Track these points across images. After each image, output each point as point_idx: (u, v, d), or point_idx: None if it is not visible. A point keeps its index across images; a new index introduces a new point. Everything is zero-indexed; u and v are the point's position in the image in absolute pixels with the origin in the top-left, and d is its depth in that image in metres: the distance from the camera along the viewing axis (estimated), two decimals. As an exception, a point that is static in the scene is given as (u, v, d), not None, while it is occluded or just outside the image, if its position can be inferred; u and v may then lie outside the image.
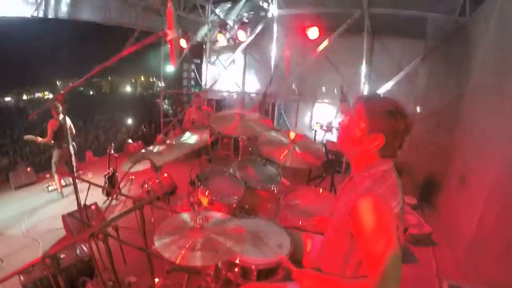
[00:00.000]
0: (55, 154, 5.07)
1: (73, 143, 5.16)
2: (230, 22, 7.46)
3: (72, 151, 4.89)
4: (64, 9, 6.19)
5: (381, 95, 1.56)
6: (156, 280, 2.39)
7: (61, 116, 4.81)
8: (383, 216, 1.18)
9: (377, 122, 1.27)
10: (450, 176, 4.55)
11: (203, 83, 8.69)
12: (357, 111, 1.33)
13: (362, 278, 1.28)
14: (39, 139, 4.85)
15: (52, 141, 4.92)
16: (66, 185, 5.36)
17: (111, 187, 4.71)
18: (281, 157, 2.63)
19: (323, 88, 7.37)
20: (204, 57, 8.63)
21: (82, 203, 2.47)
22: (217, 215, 1.99)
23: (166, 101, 9.65)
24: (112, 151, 4.92)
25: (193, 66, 9.71)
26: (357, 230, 1.23)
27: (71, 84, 2.16)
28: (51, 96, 36.19)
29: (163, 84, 8.76)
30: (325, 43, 6.18)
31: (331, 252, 1.46)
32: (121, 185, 4.79)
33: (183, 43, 7.23)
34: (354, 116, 1.34)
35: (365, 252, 1.21)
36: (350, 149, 1.41)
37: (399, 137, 1.28)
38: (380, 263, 1.13)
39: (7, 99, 32.12)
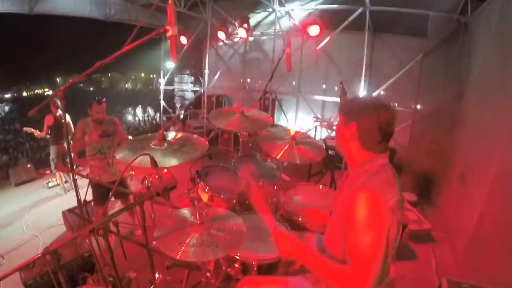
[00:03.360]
0: (52, 151, 5.11)
1: (71, 141, 5.17)
2: (230, 18, 7.42)
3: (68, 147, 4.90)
4: (63, 4, 6.17)
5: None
6: (156, 275, 2.39)
7: (59, 112, 4.83)
8: (376, 210, 1.20)
9: (349, 114, 1.41)
10: (450, 174, 4.55)
11: (203, 79, 8.67)
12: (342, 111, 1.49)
13: (343, 263, 1.29)
14: (37, 132, 4.90)
15: (48, 137, 4.96)
16: (66, 181, 5.38)
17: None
18: (281, 153, 2.63)
19: (324, 85, 7.36)
20: (204, 53, 8.60)
21: (82, 199, 2.46)
22: (217, 210, 1.99)
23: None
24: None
25: (193, 63, 9.67)
26: (348, 222, 1.24)
27: (70, 80, 2.16)
28: (51, 92, 36.10)
29: (163, 80, 8.74)
30: (326, 40, 6.16)
31: (331, 250, 1.47)
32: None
33: (183, 39, 7.20)
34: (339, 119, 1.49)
35: (351, 243, 1.23)
36: (342, 149, 1.48)
37: (373, 126, 1.32)
38: (364, 257, 1.17)
39: (7, 95, 32.06)
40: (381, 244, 1.18)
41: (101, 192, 3.29)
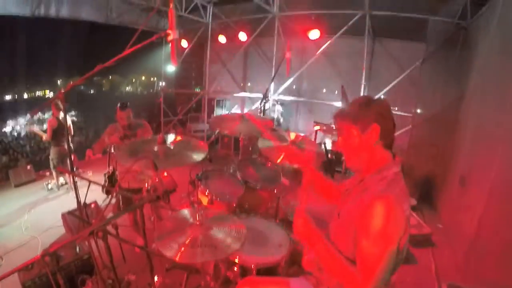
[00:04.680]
0: (53, 152, 5.13)
1: (71, 144, 5.19)
2: (231, 23, 7.46)
3: (69, 149, 4.92)
4: (65, 8, 6.21)
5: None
6: (156, 278, 2.39)
7: (61, 115, 4.84)
8: (394, 219, 1.19)
9: (362, 118, 1.32)
10: (450, 178, 4.55)
11: (204, 83, 8.70)
12: (341, 124, 1.40)
13: (354, 267, 1.28)
14: (42, 134, 4.91)
15: (51, 139, 4.97)
16: (66, 183, 5.40)
17: (111, 185, 4.71)
18: (281, 157, 2.63)
19: (324, 89, 7.38)
20: (205, 57, 8.64)
21: (82, 201, 2.47)
22: (217, 213, 1.99)
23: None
24: (112, 150, 4.93)
25: (194, 66, 9.71)
26: (362, 227, 1.23)
27: (72, 83, 2.17)
28: (52, 94, 36.21)
29: (164, 84, 8.77)
30: (326, 44, 6.19)
31: (339, 246, 1.45)
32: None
33: (184, 43, 7.24)
34: (343, 130, 1.39)
35: (363, 249, 1.22)
36: (359, 161, 1.40)
37: (387, 117, 1.33)
38: (373, 265, 1.17)
39: (8, 97, 32.12)
40: (392, 253, 1.18)
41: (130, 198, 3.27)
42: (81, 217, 2.86)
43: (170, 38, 1.63)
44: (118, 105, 3.45)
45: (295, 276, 1.72)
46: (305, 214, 1.42)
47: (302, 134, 2.96)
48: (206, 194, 2.61)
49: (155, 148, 2.22)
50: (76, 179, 2.49)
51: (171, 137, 2.48)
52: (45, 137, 4.95)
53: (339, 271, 1.29)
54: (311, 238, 1.37)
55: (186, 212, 1.95)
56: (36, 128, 5.00)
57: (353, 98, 1.45)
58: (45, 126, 5.09)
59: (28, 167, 5.78)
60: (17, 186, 5.47)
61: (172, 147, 2.21)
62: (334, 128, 4.54)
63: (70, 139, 5.15)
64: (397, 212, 1.20)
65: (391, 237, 1.18)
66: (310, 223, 1.39)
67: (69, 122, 5.17)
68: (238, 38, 7.19)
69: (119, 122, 3.49)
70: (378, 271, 1.17)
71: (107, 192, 4.67)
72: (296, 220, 1.41)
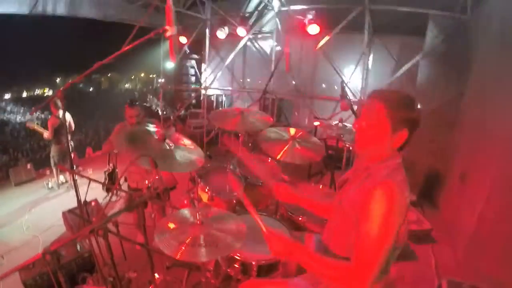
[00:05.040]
0: (54, 150, 5.12)
1: (71, 141, 5.19)
2: (230, 18, 7.42)
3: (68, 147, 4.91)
4: (63, 5, 6.17)
5: (393, 90, 1.52)
6: (156, 275, 2.39)
7: (60, 112, 4.83)
8: (395, 204, 1.19)
9: (400, 119, 1.28)
10: (450, 174, 4.55)
11: (202, 79, 8.67)
12: (378, 111, 1.30)
13: (343, 260, 1.28)
14: (43, 130, 4.89)
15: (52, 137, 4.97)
16: (66, 181, 5.40)
17: (111, 183, 4.72)
18: (281, 152, 2.63)
19: (323, 84, 7.36)
20: (203, 53, 8.61)
21: (82, 199, 2.46)
22: (217, 211, 1.99)
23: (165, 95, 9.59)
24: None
25: (193, 62, 9.68)
26: (363, 212, 1.22)
27: (70, 81, 2.16)
28: (51, 92, 36.13)
29: (163, 80, 8.74)
30: (325, 39, 6.16)
31: (338, 238, 1.45)
32: (121, 181, 4.80)
33: (182, 39, 7.21)
34: (375, 116, 1.31)
35: (361, 233, 1.21)
36: (370, 149, 1.38)
37: (417, 127, 1.32)
38: (371, 249, 1.16)
39: (7, 95, 32.05)
40: (390, 239, 1.17)
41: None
42: (81, 216, 2.86)
43: (168, 34, 1.62)
44: (127, 102, 3.31)
45: (296, 273, 1.72)
46: (274, 232, 1.39)
47: (301, 129, 2.96)
48: (206, 190, 2.61)
49: (155, 144, 2.18)
50: (76, 177, 2.48)
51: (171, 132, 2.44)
52: (46, 134, 4.93)
53: (328, 270, 1.28)
54: (292, 252, 1.34)
55: (186, 210, 1.94)
56: (35, 124, 4.97)
57: (395, 90, 1.40)
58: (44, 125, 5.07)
59: (28, 166, 5.78)
60: (17, 185, 5.47)
61: (172, 146, 2.19)
62: (334, 123, 4.53)
63: (70, 136, 5.18)
64: (399, 198, 1.20)
65: (393, 222, 1.18)
66: (283, 238, 1.38)
67: (69, 119, 5.17)
68: (237, 33, 7.16)
69: (128, 121, 3.31)
70: (377, 257, 1.16)
71: (108, 190, 4.68)
72: (269, 241, 1.37)
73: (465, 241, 3.36)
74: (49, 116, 5.08)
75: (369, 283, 1.15)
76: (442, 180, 4.91)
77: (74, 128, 5.49)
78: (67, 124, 5.08)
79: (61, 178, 5.44)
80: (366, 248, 1.18)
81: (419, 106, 1.34)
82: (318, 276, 1.44)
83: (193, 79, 9.91)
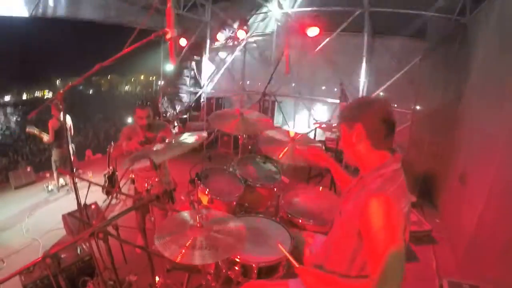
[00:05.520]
0: (55, 153, 5.11)
1: (72, 144, 5.19)
2: (230, 21, 7.44)
3: (71, 151, 4.92)
4: (63, 8, 6.18)
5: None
6: (157, 279, 2.39)
7: (61, 115, 4.83)
8: (392, 215, 1.19)
9: (350, 117, 1.40)
10: (450, 175, 4.55)
11: (202, 81, 8.68)
12: (340, 126, 1.48)
13: (363, 278, 1.28)
14: (44, 135, 4.89)
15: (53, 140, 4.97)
16: (66, 184, 5.40)
17: (111, 186, 4.72)
18: (281, 155, 2.63)
19: (323, 86, 7.37)
20: (203, 55, 8.63)
21: (82, 202, 2.46)
22: (217, 213, 1.99)
23: (165, 98, 9.60)
24: (112, 150, 4.92)
25: (193, 65, 9.69)
26: (365, 228, 1.23)
27: (70, 83, 2.16)
28: (51, 95, 36.17)
29: (162, 83, 8.75)
30: (325, 41, 6.18)
31: (337, 251, 1.46)
32: (121, 184, 4.80)
33: (182, 41, 7.22)
34: (339, 128, 1.49)
35: (369, 249, 1.22)
36: (352, 156, 1.46)
37: (377, 119, 1.33)
38: (382, 261, 1.14)
39: (7, 98, 32.07)
40: (399, 245, 1.15)
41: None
42: (81, 219, 2.86)
43: (168, 36, 1.62)
44: (137, 103, 3.22)
45: (296, 274, 1.72)
46: (308, 269, 1.46)
47: (301, 132, 2.96)
48: (206, 193, 2.61)
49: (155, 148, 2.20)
50: (76, 180, 2.48)
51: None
52: (46, 138, 4.93)
53: None
54: (322, 283, 1.38)
55: (186, 213, 1.94)
56: (35, 129, 4.97)
57: (354, 97, 1.47)
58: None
59: (28, 169, 5.78)
60: (17, 188, 5.47)
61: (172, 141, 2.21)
62: (333, 126, 4.55)
63: (70, 139, 5.17)
64: (393, 209, 1.20)
65: (394, 230, 1.17)
66: (314, 271, 1.43)
67: (69, 122, 5.17)
68: (236, 36, 7.17)
69: (138, 123, 3.20)
70: (387, 270, 1.13)
71: (107, 193, 4.69)
72: (303, 276, 1.42)
73: (465, 242, 3.35)
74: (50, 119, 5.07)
75: None
76: (442, 181, 4.91)
77: (74, 131, 5.49)
78: (68, 127, 5.08)
79: (61, 181, 5.44)
80: (376, 263, 1.16)
81: (377, 102, 1.40)
82: None
83: (193, 81, 9.93)
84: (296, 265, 1.47)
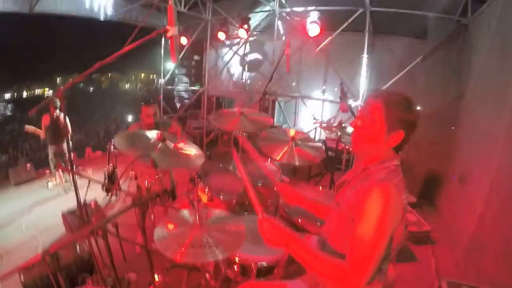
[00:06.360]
0: (50, 151, 5.13)
1: (70, 142, 5.18)
2: (230, 19, 7.43)
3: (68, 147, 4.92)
4: (63, 4, 6.17)
5: (391, 90, 1.50)
6: (156, 277, 2.39)
7: (58, 113, 4.84)
8: (391, 205, 1.18)
9: (397, 120, 1.27)
10: (450, 175, 4.55)
11: (203, 80, 8.68)
12: (375, 111, 1.30)
13: (338, 258, 1.25)
14: (40, 131, 4.91)
15: (45, 137, 4.98)
16: (66, 181, 5.39)
17: (111, 183, 4.71)
18: (281, 154, 2.62)
19: (324, 86, 7.36)
20: (204, 54, 8.61)
21: (82, 199, 2.46)
22: (217, 212, 1.99)
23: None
24: (112, 148, 4.92)
25: (193, 63, 9.68)
26: (359, 213, 1.21)
27: (71, 80, 2.15)
28: (51, 92, 36.13)
29: (163, 81, 8.73)
30: (326, 41, 6.17)
31: (336, 237, 1.44)
32: (121, 182, 4.80)
33: (183, 40, 7.21)
34: (371, 116, 1.32)
35: (357, 234, 1.19)
36: (366, 149, 1.38)
37: (414, 129, 1.31)
38: (366, 250, 1.15)
39: (7, 95, 32.06)
40: (384, 241, 1.17)
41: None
42: (81, 216, 2.85)
43: (169, 34, 1.62)
44: (145, 101, 3.20)
45: (295, 274, 1.72)
46: (268, 217, 1.33)
47: (301, 131, 2.96)
48: (206, 191, 2.61)
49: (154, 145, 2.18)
50: (76, 177, 2.47)
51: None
52: (39, 132, 4.96)
53: (323, 267, 1.23)
54: (287, 242, 1.27)
55: (186, 211, 1.94)
56: (33, 128, 4.98)
57: (395, 90, 1.39)
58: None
59: (28, 165, 5.77)
60: (16, 185, 5.47)
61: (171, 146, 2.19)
62: (334, 125, 4.54)
63: (69, 137, 5.17)
64: (395, 199, 1.19)
65: (387, 224, 1.17)
66: (279, 227, 1.30)
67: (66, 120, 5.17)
68: (237, 34, 7.16)
69: (144, 121, 3.18)
70: (370, 259, 1.15)
71: (107, 190, 4.68)
72: (263, 228, 1.30)
73: (465, 242, 3.36)
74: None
75: (362, 285, 1.14)
76: (441, 182, 4.92)
77: (74, 128, 5.49)
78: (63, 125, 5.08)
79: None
80: (360, 249, 1.17)
81: (418, 108, 1.33)
82: (312, 273, 1.43)
83: (193, 79, 9.92)
84: (260, 215, 1.33)
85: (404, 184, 1.29)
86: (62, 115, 4.65)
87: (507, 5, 3.44)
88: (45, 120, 4.92)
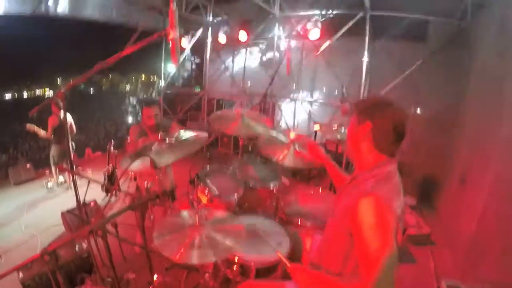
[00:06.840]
0: (54, 149, 5.14)
1: (72, 142, 5.19)
2: (231, 22, 7.45)
3: (71, 149, 4.93)
4: (65, 6, 6.19)
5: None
6: (155, 277, 2.39)
7: (62, 113, 4.84)
8: (383, 216, 1.18)
9: (364, 112, 1.38)
10: (449, 177, 4.56)
11: (203, 82, 8.70)
12: (352, 116, 1.44)
13: (355, 278, 1.26)
14: (41, 131, 4.92)
15: (51, 137, 4.98)
16: (65, 182, 5.40)
17: (111, 183, 4.72)
18: (281, 156, 2.63)
19: (324, 89, 7.37)
20: (205, 56, 8.64)
21: (82, 200, 2.47)
22: (217, 213, 2.00)
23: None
24: (112, 148, 4.93)
25: (194, 66, 9.70)
26: (356, 229, 1.22)
27: (71, 82, 2.16)
28: (51, 93, 36.18)
29: (163, 83, 8.75)
30: (326, 44, 6.19)
31: (330, 251, 1.46)
32: (120, 182, 4.81)
33: (184, 42, 7.23)
34: (350, 122, 1.45)
35: (361, 251, 1.20)
36: (352, 150, 1.44)
37: (388, 125, 1.30)
38: (375, 264, 1.13)
39: (8, 95, 32.10)
40: (391, 247, 1.15)
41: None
42: (80, 216, 2.86)
43: (170, 37, 1.63)
44: (146, 103, 3.19)
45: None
46: (299, 267, 1.44)
47: (301, 133, 2.96)
48: (206, 193, 2.61)
49: (155, 147, 2.21)
50: (76, 177, 2.48)
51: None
52: (43, 133, 4.96)
53: None
54: (314, 282, 1.37)
55: (185, 212, 1.95)
56: (35, 127, 4.99)
57: (354, 101, 1.47)
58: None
59: (28, 165, 5.78)
60: (16, 184, 5.47)
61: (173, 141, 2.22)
62: (334, 128, 4.54)
63: (70, 137, 5.17)
64: (384, 209, 1.19)
65: (385, 231, 1.16)
66: (306, 270, 1.42)
67: (70, 120, 5.18)
68: (238, 37, 7.18)
69: (145, 123, 3.16)
70: (377, 269, 1.13)
71: (107, 191, 4.68)
72: (294, 275, 1.42)
73: (464, 244, 3.36)
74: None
75: None
76: (441, 184, 4.92)
77: (76, 129, 5.49)
78: (68, 125, 5.09)
79: (61, 178, 5.45)
80: (369, 263, 1.15)
81: (396, 109, 1.34)
82: None
83: (193, 82, 9.93)
84: (288, 265, 1.46)
85: (398, 189, 1.30)
86: (67, 115, 4.67)
87: (506, 8, 3.46)
88: (53, 121, 4.92)
